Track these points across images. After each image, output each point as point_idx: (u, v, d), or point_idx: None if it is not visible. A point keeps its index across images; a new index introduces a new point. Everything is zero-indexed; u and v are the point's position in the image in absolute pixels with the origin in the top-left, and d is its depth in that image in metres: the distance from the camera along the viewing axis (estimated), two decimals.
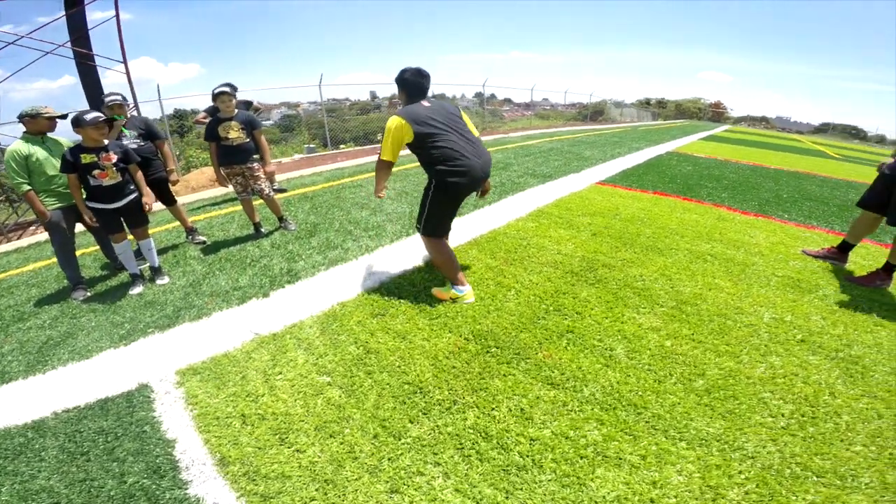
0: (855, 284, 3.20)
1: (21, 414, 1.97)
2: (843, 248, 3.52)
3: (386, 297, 2.78)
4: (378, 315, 2.60)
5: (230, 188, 3.99)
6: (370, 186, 5.54)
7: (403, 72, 2.62)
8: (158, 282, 3.18)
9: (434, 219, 2.64)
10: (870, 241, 4.15)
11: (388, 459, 1.65)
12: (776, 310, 2.74)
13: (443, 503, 1.48)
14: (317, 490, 1.53)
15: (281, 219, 4.11)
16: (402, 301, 2.73)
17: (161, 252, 3.75)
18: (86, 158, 2.79)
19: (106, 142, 2.89)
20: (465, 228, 3.91)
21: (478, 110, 18.95)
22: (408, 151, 2.62)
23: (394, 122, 2.47)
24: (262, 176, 3.86)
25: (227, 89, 3.63)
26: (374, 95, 28.85)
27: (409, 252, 3.42)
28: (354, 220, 4.19)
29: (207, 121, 5.22)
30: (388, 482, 1.56)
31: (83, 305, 2.94)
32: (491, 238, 3.67)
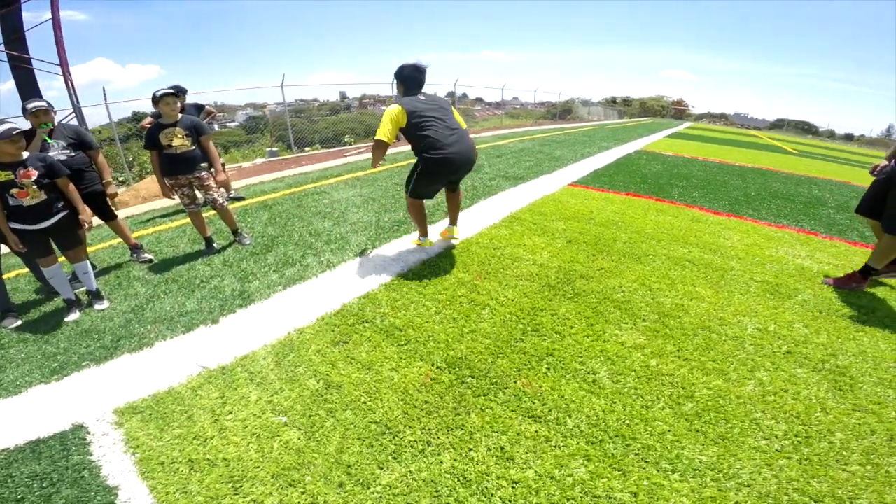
0: (831, 286, 3.16)
1: None
2: (865, 273, 3.19)
3: (349, 322, 2.52)
4: (340, 343, 2.35)
5: (177, 199, 3.64)
6: (335, 193, 5.24)
7: (402, 67, 3.04)
8: (97, 307, 2.82)
9: (417, 188, 3.14)
10: (844, 241, 4.17)
11: None
12: (759, 319, 2.65)
13: None
14: None
15: (235, 232, 3.77)
16: (366, 325, 2.49)
17: (101, 273, 3.38)
18: (0, 176, 2.42)
19: (25, 155, 2.54)
20: (436, 238, 3.68)
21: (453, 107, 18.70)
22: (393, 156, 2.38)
23: (393, 108, 2.90)
24: (214, 185, 3.53)
25: (169, 91, 3.28)
26: (343, 96, 28.26)
27: (375, 267, 3.17)
28: (316, 232, 3.89)
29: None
30: None
31: (13, 335, 2.58)
32: (464, 249, 3.46)
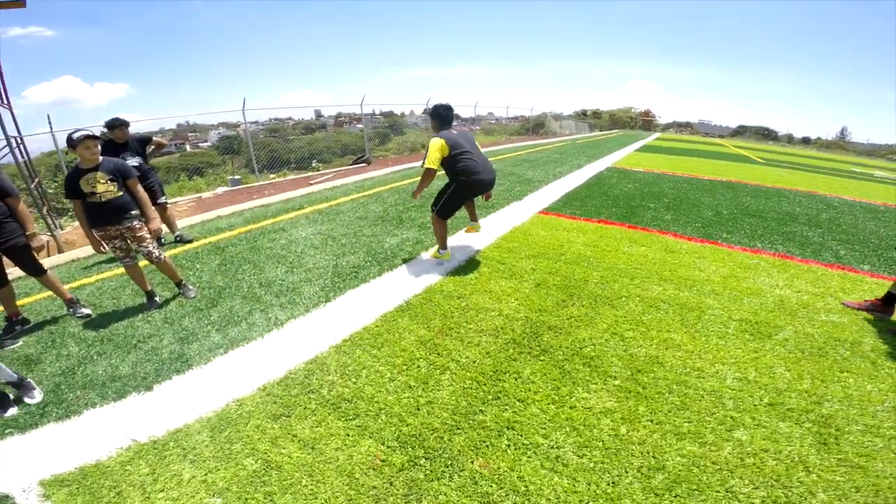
0: (848, 308, 3.19)
1: None
2: (889, 300, 3.18)
3: (293, 392, 2.25)
4: (282, 417, 2.09)
5: (108, 251, 3.27)
6: (293, 230, 4.93)
7: (437, 107, 3.75)
8: (26, 400, 2.38)
9: (446, 207, 3.70)
10: (820, 264, 4.08)
11: None
12: (739, 366, 2.47)
13: None
14: None
15: (179, 284, 3.44)
16: (311, 396, 2.22)
17: (36, 328, 3.07)
18: None
19: None
20: (398, 285, 3.42)
21: (427, 126, 18.56)
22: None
23: (437, 142, 3.48)
24: (148, 236, 3.18)
25: (88, 133, 2.93)
26: (318, 114, 27.80)
27: (327, 325, 2.88)
28: (267, 281, 3.58)
29: None
30: None
31: None
32: (426, 299, 3.18)
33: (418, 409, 2.11)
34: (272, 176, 10.42)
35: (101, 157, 3.03)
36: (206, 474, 1.79)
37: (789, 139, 51.91)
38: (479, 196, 3.92)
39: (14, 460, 1.93)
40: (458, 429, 1.99)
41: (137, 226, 3.13)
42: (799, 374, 2.43)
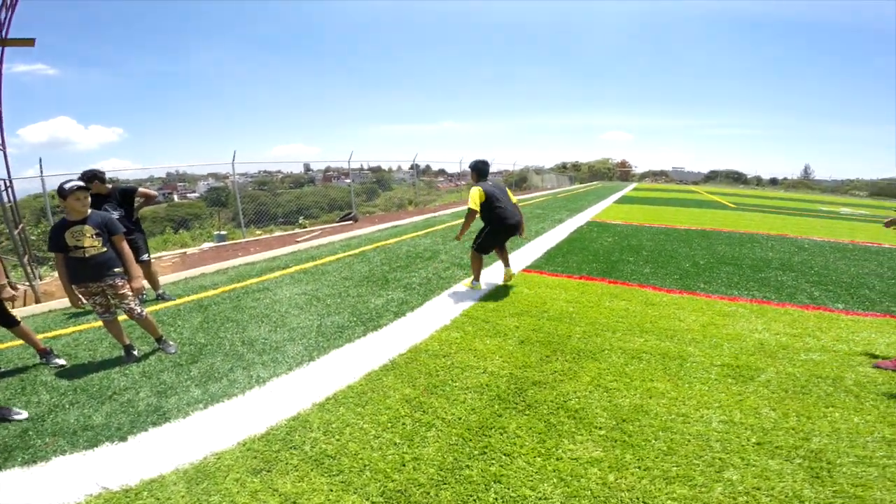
0: (882, 369, 3.01)
1: None
2: None
3: (274, 448, 2.21)
4: (262, 471, 2.03)
5: (87, 306, 3.23)
6: (278, 290, 4.93)
7: (477, 162, 4.61)
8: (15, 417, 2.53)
9: (485, 244, 4.58)
10: (796, 306, 4.20)
11: None
12: (723, 409, 2.51)
13: None
14: None
15: (159, 339, 3.38)
16: (293, 452, 2.17)
17: (7, 374, 3.04)
18: None
19: None
20: (383, 345, 3.41)
21: (414, 181, 19.02)
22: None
23: (477, 190, 4.35)
24: (130, 294, 3.14)
25: (80, 185, 2.95)
26: (307, 168, 27.96)
27: (310, 383, 2.84)
28: (249, 340, 3.54)
29: None
30: None
31: None
32: (411, 358, 3.16)
33: (403, 465, 2.06)
34: (258, 232, 10.49)
35: (89, 210, 3.04)
36: None
37: (758, 181, 54.19)
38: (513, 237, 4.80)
39: None
40: (445, 484, 1.95)
41: (120, 283, 3.10)
42: (784, 413, 2.46)
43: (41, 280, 5.82)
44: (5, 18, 5.51)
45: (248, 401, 2.66)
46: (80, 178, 4.43)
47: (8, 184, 5.67)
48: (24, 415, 2.55)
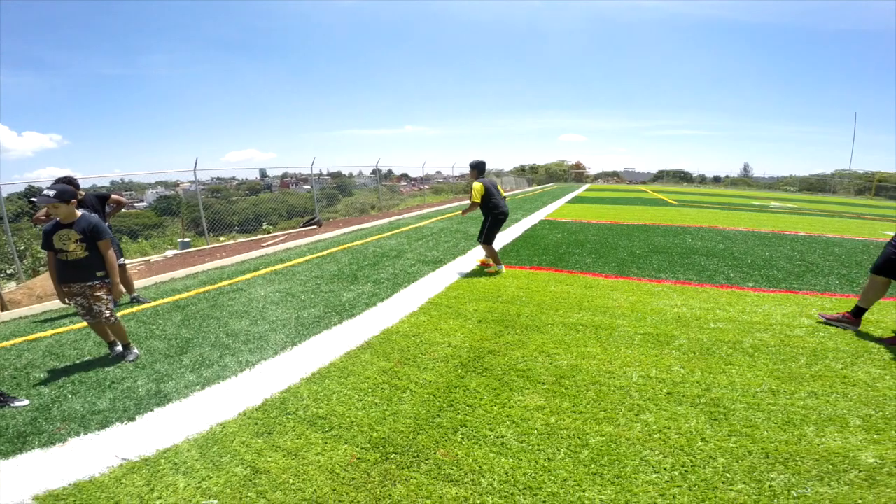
0: (825, 322, 3.93)
1: None
2: (857, 313, 3.82)
3: (272, 415, 2.58)
4: (264, 434, 2.40)
5: (72, 305, 3.40)
6: (252, 289, 5.22)
7: (477, 161, 5.65)
8: (16, 404, 2.76)
9: (489, 235, 5.61)
10: (713, 286, 4.95)
11: None
12: (643, 367, 3.08)
13: None
14: None
15: (126, 346, 3.48)
16: (289, 417, 2.55)
17: None
18: None
19: None
20: (358, 330, 3.83)
21: (376, 187, 19.23)
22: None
23: (479, 185, 5.45)
24: (105, 297, 3.28)
25: (49, 195, 3.09)
26: (263, 174, 27.41)
27: (296, 363, 3.23)
28: (233, 332, 3.87)
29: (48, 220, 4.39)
30: None
31: None
32: (384, 339, 3.63)
33: (385, 420, 2.50)
34: (222, 238, 10.54)
35: (79, 213, 3.20)
36: (199, 482, 2.03)
37: (702, 179, 56.95)
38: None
39: (1, 481, 2.08)
40: (421, 430, 2.41)
41: (98, 285, 3.24)
42: (691, 370, 3.05)
43: (2, 290, 5.80)
44: None
45: (241, 381, 3.01)
46: (50, 187, 4.57)
47: None
48: (26, 402, 2.76)
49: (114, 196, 4.85)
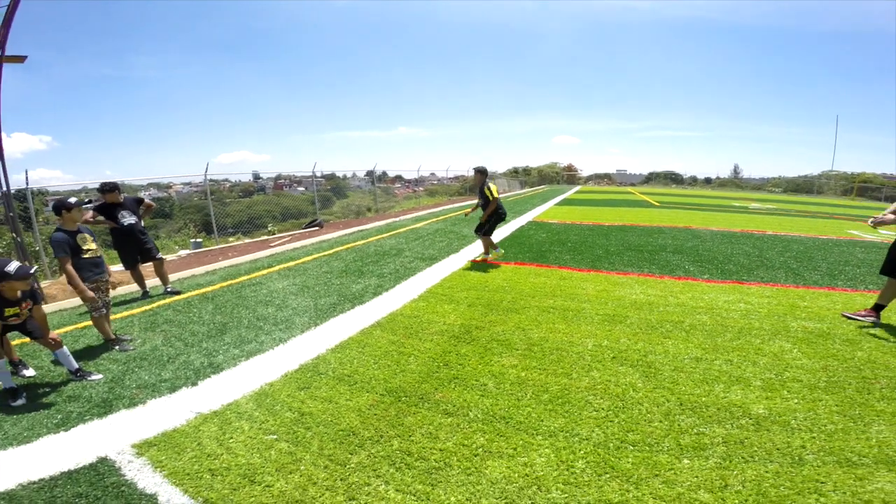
0: (848, 318, 4.33)
1: None
2: (877, 308, 4.21)
3: (308, 375, 3.31)
4: (304, 388, 3.13)
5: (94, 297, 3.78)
6: (270, 283, 5.95)
7: (483, 167, 6.95)
8: (93, 378, 3.31)
9: (489, 228, 6.81)
10: (672, 278, 5.76)
11: (341, 479, 2.21)
12: (597, 339, 3.87)
13: (390, 501, 2.08)
14: None
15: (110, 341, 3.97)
16: (321, 376, 3.29)
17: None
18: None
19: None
20: (368, 314, 4.60)
21: (371, 189, 19.83)
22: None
23: (494, 186, 6.71)
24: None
25: (78, 200, 3.80)
26: (256, 176, 27.60)
27: (321, 339, 3.98)
28: (262, 317, 4.61)
29: (98, 220, 5.08)
30: (345, 493, 2.12)
31: None
32: (391, 319, 4.42)
33: (396, 375, 3.27)
34: (231, 239, 11.24)
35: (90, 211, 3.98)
36: (260, 424, 2.71)
37: (693, 180, 56.78)
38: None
39: (99, 435, 2.58)
40: (424, 381, 3.18)
41: (110, 279, 3.95)
42: (635, 342, 3.82)
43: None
44: (5, 37, 6.18)
45: (278, 353, 3.74)
46: (100, 189, 5.32)
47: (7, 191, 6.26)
48: (101, 376, 3.38)
49: (146, 201, 5.70)
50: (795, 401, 2.89)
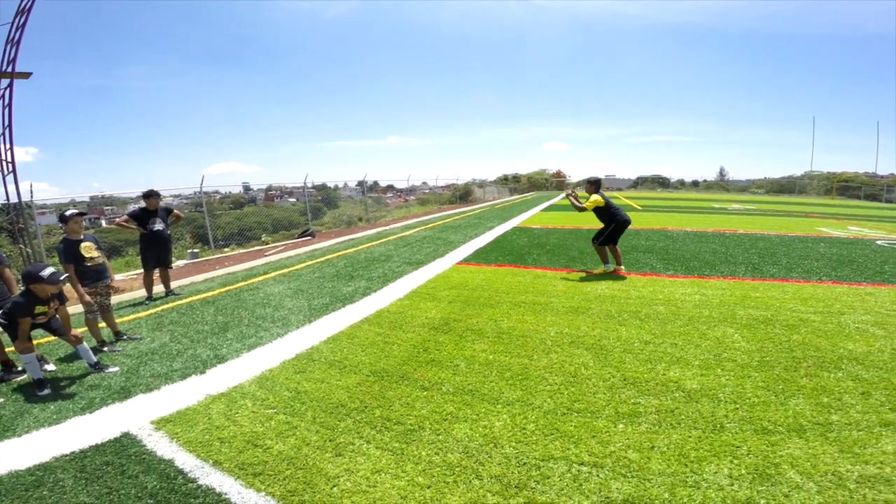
0: None
1: (20, 461, 2.54)
2: None
3: (303, 362, 3.77)
4: (299, 372, 3.59)
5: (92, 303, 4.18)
6: (267, 288, 6.38)
7: (596, 178, 6.80)
8: (110, 370, 3.73)
9: (605, 239, 6.50)
10: (638, 274, 6.28)
11: (329, 441, 2.66)
12: (559, 327, 4.36)
13: (370, 456, 2.52)
14: (287, 464, 2.48)
15: (102, 343, 4.31)
16: (315, 362, 3.75)
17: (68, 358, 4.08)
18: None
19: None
20: (358, 311, 5.08)
21: (362, 199, 20.15)
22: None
23: (597, 197, 6.49)
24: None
25: (76, 211, 4.21)
26: (247, 187, 27.67)
27: (315, 333, 4.44)
28: (261, 316, 5.06)
29: (130, 225, 5.60)
30: (333, 451, 2.57)
31: (20, 395, 3.37)
32: (378, 315, 4.90)
33: (380, 360, 3.74)
34: (226, 250, 11.66)
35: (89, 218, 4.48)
36: (262, 401, 3.16)
37: (681, 184, 56.96)
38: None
39: (121, 415, 2.98)
40: (405, 364, 3.65)
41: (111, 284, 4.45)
42: (593, 329, 4.30)
43: None
44: (14, 54, 6.68)
45: (276, 346, 4.19)
46: (143, 195, 5.92)
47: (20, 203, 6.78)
48: (116, 369, 3.82)
49: (175, 211, 6.33)
50: (726, 378, 3.25)
